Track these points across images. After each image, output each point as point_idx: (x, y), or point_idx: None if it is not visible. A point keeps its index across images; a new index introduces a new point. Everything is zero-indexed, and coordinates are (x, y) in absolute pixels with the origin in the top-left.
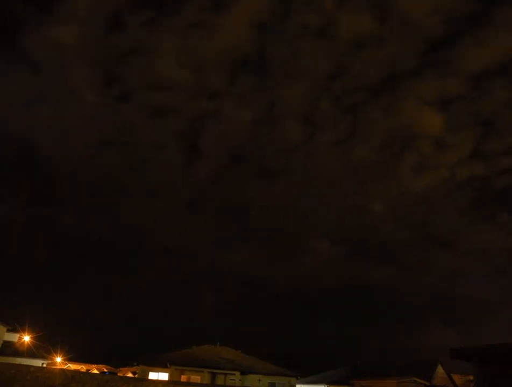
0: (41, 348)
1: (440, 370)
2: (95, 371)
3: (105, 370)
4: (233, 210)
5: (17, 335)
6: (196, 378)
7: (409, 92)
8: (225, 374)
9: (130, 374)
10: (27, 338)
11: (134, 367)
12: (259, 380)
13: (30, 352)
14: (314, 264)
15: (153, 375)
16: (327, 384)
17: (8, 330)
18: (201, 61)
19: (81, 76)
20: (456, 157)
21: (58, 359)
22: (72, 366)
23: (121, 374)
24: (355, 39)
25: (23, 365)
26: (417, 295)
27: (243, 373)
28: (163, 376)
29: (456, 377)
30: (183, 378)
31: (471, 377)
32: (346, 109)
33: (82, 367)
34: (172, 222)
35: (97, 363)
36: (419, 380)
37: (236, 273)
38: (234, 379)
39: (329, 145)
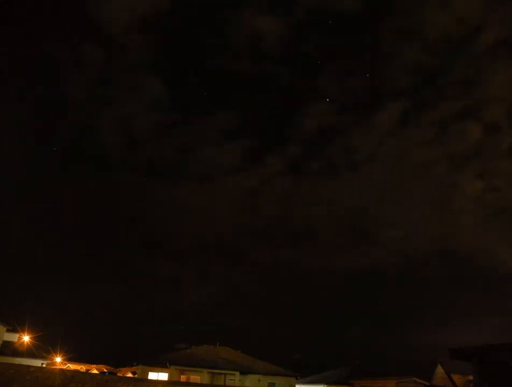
0: (41, 348)
1: (440, 370)
2: (95, 371)
3: (105, 370)
4: (293, 204)
5: (17, 335)
6: (195, 378)
7: None
8: (225, 374)
9: (130, 374)
10: (26, 338)
11: (134, 367)
12: (259, 380)
13: (30, 352)
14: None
15: (152, 376)
16: (327, 384)
17: (8, 330)
18: (295, 18)
19: (151, 50)
20: None
21: (58, 359)
22: (72, 366)
23: (121, 374)
24: None
25: (23, 365)
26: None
27: (242, 373)
28: (163, 376)
29: (456, 377)
30: (183, 378)
31: (471, 377)
32: (471, 77)
33: (81, 368)
34: (221, 215)
35: (96, 363)
36: (419, 380)
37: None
38: (233, 379)
39: (431, 126)
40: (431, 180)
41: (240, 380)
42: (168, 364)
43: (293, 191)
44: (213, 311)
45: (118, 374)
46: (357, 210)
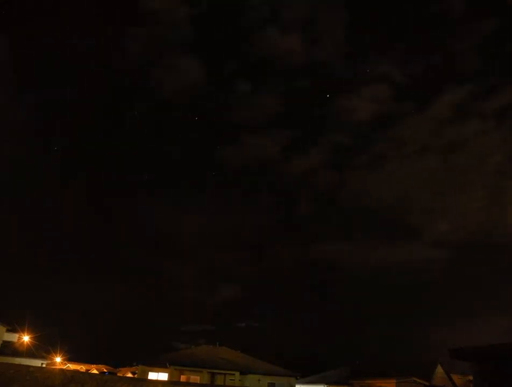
0: (41, 348)
1: (439, 370)
2: (94, 371)
3: (105, 370)
4: (335, 199)
5: (16, 335)
6: (195, 378)
7: None
8: (224, 374)
9: (130, 374)
10: (26, 338)
11: (134, 367)
12: (258, 380)
13: (30, 352)
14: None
15: (152, 376)
16: (326, 384)
17: (8, 330)
18: None
19: (190, 26)
20: None
21: (58, 359)
22: (72, 366)
23: (121, 375)
24: None
25: (23, 365)
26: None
27: (242, 373)
28: (163, 376)
29: (456, 377)
30: (183, 378)
31: (471, 377)
32: None
33: (81, 368)
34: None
35: (96, 363)
36: (418, 380)
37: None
38: (233, 379)
39: (492, 114)
40: (485, 171)
41: (240, 380)
42: (167, 364)
43: (336, 184)
44: (214, 311)
45: (118, 374)
46: (400, 204)
